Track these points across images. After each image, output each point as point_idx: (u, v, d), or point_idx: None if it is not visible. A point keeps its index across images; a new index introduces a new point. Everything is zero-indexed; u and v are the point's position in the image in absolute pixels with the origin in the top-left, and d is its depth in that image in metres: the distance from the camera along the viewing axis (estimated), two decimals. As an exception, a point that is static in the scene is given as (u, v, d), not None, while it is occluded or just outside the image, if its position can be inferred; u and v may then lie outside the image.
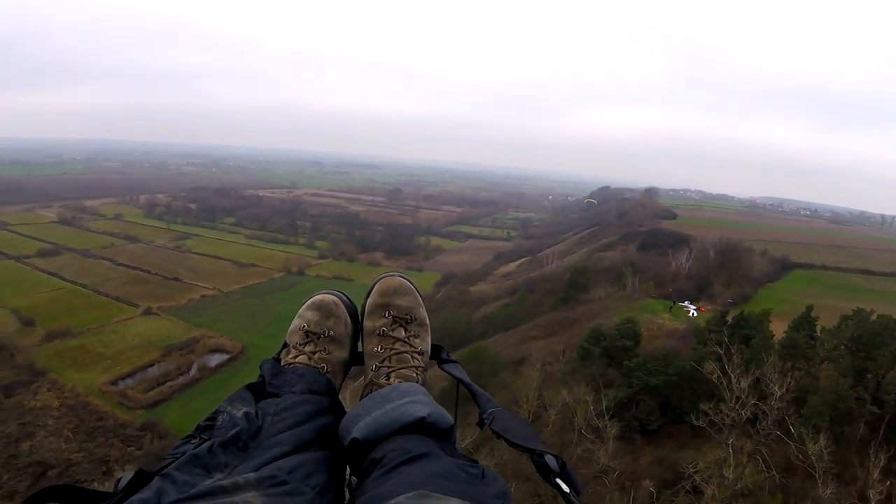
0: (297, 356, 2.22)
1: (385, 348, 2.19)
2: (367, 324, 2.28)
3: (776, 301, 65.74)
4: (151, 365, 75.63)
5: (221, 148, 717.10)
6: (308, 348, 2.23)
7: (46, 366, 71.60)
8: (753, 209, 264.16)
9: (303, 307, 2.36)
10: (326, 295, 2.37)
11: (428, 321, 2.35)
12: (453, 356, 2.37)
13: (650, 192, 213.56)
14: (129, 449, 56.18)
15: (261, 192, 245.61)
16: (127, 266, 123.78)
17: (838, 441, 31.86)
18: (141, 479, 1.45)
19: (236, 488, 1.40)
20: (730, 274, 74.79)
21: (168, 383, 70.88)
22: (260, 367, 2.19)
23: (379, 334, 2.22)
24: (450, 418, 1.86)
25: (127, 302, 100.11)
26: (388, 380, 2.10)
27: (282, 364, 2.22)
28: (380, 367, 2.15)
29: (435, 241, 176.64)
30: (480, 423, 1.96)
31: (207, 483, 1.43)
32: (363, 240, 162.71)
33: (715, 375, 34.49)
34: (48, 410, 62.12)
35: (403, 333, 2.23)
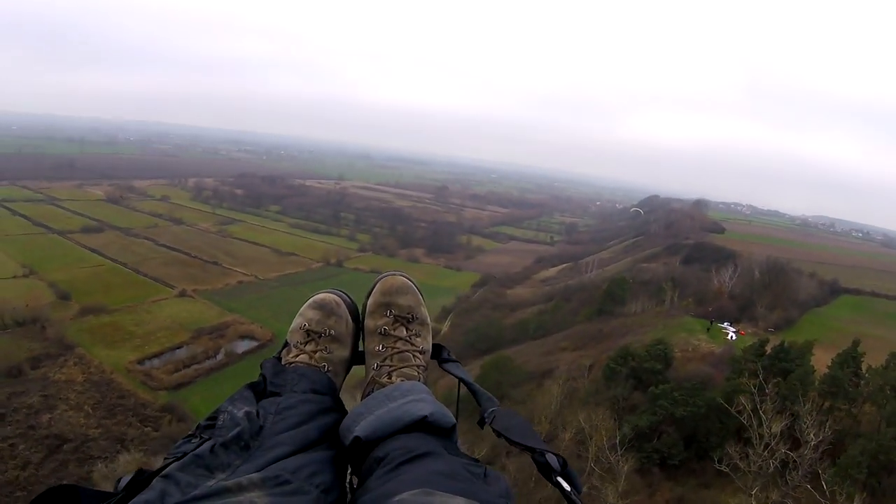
0: (298, 355, 2.21)
1: (386, 347, 2.19)
2: (369, 323, 2.27)
3: (822, 328, 62.22)
4: (180, 347, 75.79)
5: (273, 136, 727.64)
6: (309, 347, 2.22)
7: (76, 340, 72.42)
8: (804, 227, 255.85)
9: (304, 306, 2.34)
10: (328, 294, 2.36)
11: (429, 320, 2.34)
12: (453, 355, 2.37)
13: (699, 204, 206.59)
14: (146, 429, 56.46)
15: (308, 182, 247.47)
16: (168, 247, 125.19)
17: (874, 494, 29.03)
18: (141, 480, 1.45)
19: (240, 489, 1.39)
20: (775, 296, 70.36)
21: (194, 366, 70.77)
22: (261, 366, 2.16)
23: (380, 333, 2.22)
24: (452, 417, 1.88)
25: (163, 282, 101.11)
26: (390, 378, 2.11)
27: (283, 363, 2.21)
28: (381, 366, 2.15)
29: (477, 240, 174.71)
30: (481, 423, 1.98)
31: (210, 483, 1.43)
32: (405, 235, 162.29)
33: (745, 415, 31.91)
34: (72, 385, 62.69)
35: (405, 332, 2.22)
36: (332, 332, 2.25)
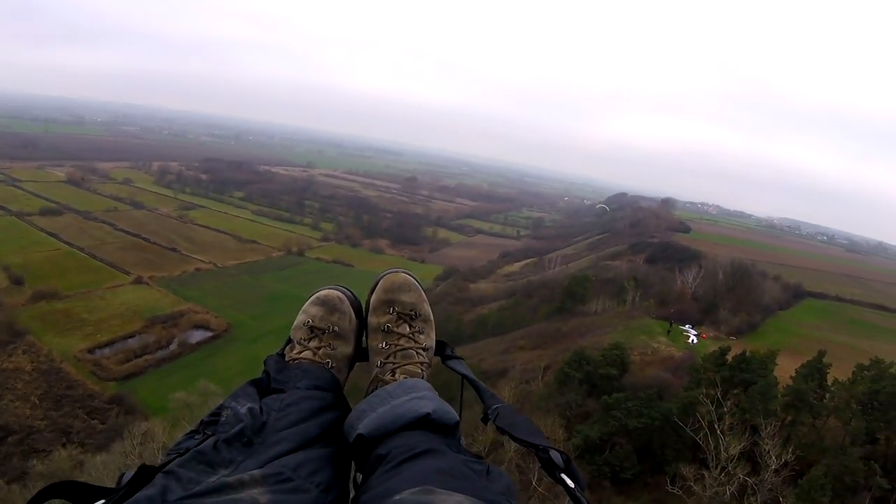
0: (301, 352, 2.20)
1: (390, 344, 2.18)
2: (372, 320, 2.27)
3: (785, 333, 62.10)
4: (132, 336, 73.98)
5: (244, 121, 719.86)
6: (312, 344, 2.21)
7: (27, 327, 70.90)
8: (770, 229, 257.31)
9: (307, 302, 2.34)
10: (331, 290, 2.34)
11: (432, 317, 2.33)
12: (457, 352, 2.36)
13: (667, 203, 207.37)
14: (93, 422, 55.25)
15: (275, 169, 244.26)
16: (126, 232, 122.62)
17: (838, 516, 28.00)
18: (144, 476, 1.46)
19: (242, 485, 1.40)
20: (738, 299, 69.56)
21: (145, 356, 69.16)
22: (264, 362, 2.17)
23: (383, 330, 2.21)
24: (455, 414, 1.88)
25: (120, 269, 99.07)
26: (393, 376, 2.11)
27: (286, 360, 2.20)
28: (385, 364, 2.15)
29: (443, 233, 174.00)
30: (485, 419, 2.00)
31: (212, 480, 1.43)
32: (370, 225, 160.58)
33: (701, 434, 30.43)
34: (19, 374, 61.60)
35: (408, 329, 2.22)
36: (336, 328, 2.24)
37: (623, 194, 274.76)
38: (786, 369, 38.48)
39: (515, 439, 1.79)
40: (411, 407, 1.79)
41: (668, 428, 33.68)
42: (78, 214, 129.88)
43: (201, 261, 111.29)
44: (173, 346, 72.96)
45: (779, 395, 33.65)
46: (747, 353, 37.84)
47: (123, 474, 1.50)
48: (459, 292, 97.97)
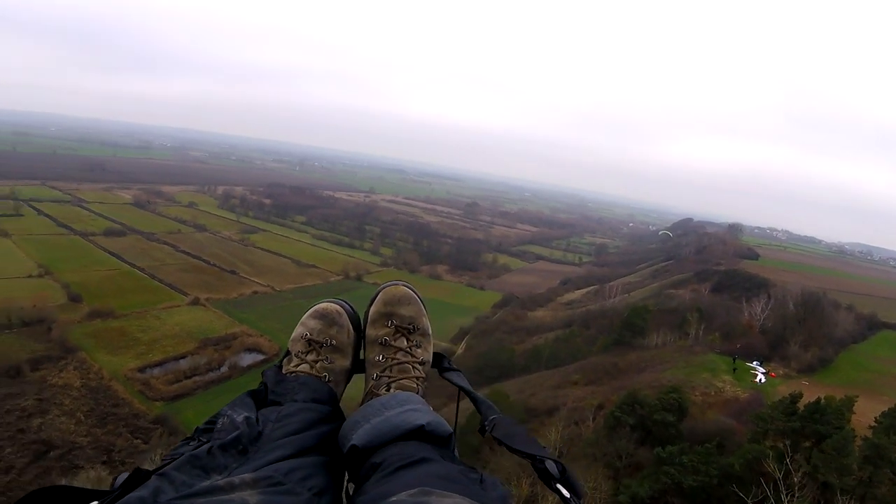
0: (299, 364, 2.21)
1: (386, 358, 2.20)
2: (370, 332, 2.28)
3: (860, 368, 57.33)
4: (183, 356, 73.97)
5: (308, 148, 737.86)
6: (310, 357, 2.22)
7: (80, 344, 71.61)
8: (841, 255, 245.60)
9: (305, 315, 2.35)
10: (329, 303, 2.35)
11: (430, 331, 2.33)
12: (454, 364, 2.36)
13: (734, 229, 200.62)
14: (135, 441, 55.15)
15: (337, 194, 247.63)
16: (187, 253, 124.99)
17: None
18: (138, 479, 1.46)
19: (232, 487, 1.41)
20: (809, 332, 63.79)
21: (195, 378, 68.81)
22: (262, 374, 2.19)
23: (381, 343, 2.23)
24: (449, 427, 1.89)
25: (177, 289, 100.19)
26: (387, 390, 2.11)
27: (284, 372, 2.21)
28: (380, 377, 2.17)
29: (503, 259, 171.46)
30: (482, 430, 2.00)
31: (205, 484, 1.45)
32: (429, 251, 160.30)
33: (765, 493, 26.29)
34: (68, 389, 61.97)
35: (406, 343, 2.23)
36: (334, 342, 2.24)
37: (689, 219, 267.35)
38: (863, 412, 34.78)
39: (512, 450, 1.78)
40: (405, 418, 1.80)
41: (729, 486, 29.02)
42: (141, 235, 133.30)
43: (259, 284, 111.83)
44: (224, 369, 72.57)
45: (855, 451, 29.06)
46: (822, 402, 33.01)
47: (117, 477, 1.50)
48: (516, 320, 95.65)
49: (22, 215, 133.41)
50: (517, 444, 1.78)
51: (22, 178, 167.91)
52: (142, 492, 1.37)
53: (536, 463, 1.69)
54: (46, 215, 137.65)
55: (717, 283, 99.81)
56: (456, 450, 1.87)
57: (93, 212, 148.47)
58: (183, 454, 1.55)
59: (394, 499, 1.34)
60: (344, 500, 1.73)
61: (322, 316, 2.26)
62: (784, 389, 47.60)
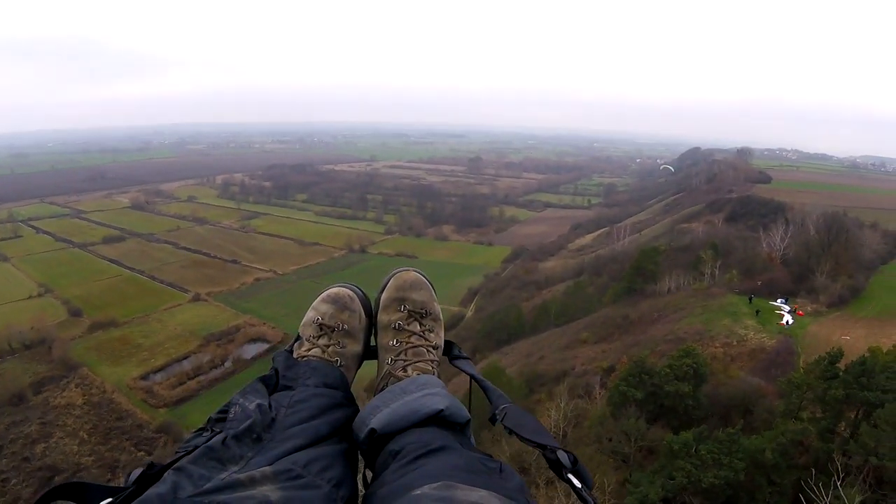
0: (310, 349, 2.19)
1: (400, 342, 2.19)
2: (383, 317, 2.27)
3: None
4: (186, 357, 73.30)
5: (309, 125, 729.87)
6: (322, 341, 2.21)
7: (81, 359, 70.91)
8: (854, 170, 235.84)
9: (317, 300, 2.33)
10: (341, 288, 2.34)
11: (441, 316, 2.35)
12: (465, 352, 2.37)
13: (743, 153, 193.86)
14: (139, 454, 54.01)
15: (338, 167, 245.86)
16: (188, 249, 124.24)
17: None
18: (153, 473, 1.47)
19: (253, 482, 1.40)
20: (836, 258, 58.57)
21: (198, 377, 67.93)
22: (273, 359, 2.17)
23: (394, 328, 2.22)
24: (466, 413, 1.90)
25: (179, 288, 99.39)
26: (405, 371, 2.11)
27: (295, 357, 2.19)
28: (396, 360, 2.16)
29: (510, 211, 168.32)
30: (492, 419, 1.99)
31: (223, 476, 1.43)
32: (433, 212, 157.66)
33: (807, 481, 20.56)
34: (71, 409, 61.36)
35: (419, 328, 2.23)
36: (346, 326, 2.23)
37: (696, 149, 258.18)
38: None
39: (523, 439, 1.77)
40: (424, 403, 1.80)
41: (760, 477, 23.28)
42: (140, 238, 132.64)
43: (261, 270, 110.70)
44: (228, 364, 71.38)
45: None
46: (867, 360, 26.33)
47: (131, 472, 1.50)
48: (526, 274, 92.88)
49: (20, 236, 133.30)
50: (528, 433, 1.77)
51: (20, 199, 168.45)
52: (160, 488, 1.34)
53: (547, 453, 1.68)
54: (45, 232, 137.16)
55: (731, 212, 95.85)
56: (472, 437, 1.87)
57: (92, 221, 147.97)
58: (197, 446, 1.53)
59: (417, 492, 1.32)
60: (360, 485, 1.72)
61: (334, 300, 2.24)
62: (815, 330, 43.43)
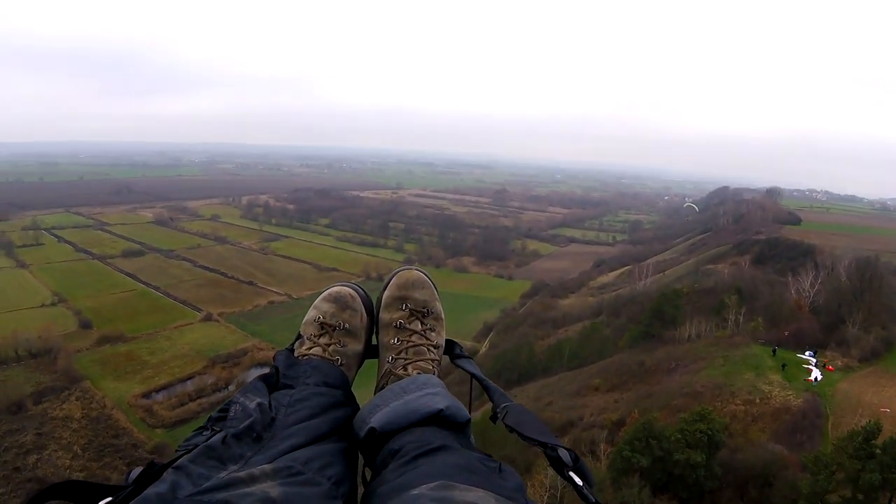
0: (311, 348, 2.20)
1: (402, 340, 2.18)
2: (384, 316, 2.27)
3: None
4: (191, 377, 72.10)
5: (338, 149, 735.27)
6: (323, 340, 2.21)
7: (85, 372, 70.38)
8: (885, 212, 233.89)
9: (319, 298, 2.34)
10: (343, 287, 2.35)
11: (443, 316, 2.33)
12: (466, 352, 2.36)
13: (772, 193, 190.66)
14: None
15: (364, 193, 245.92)
16: (205, 268, 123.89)
17: None
18: (153, 472, 1.45)
19: (253, 479, 1.40)
20: (869, 308, 54.99)
21: (200, 399, 66.30)
22: (273, 358, 2.17)
23: (396, 326, 2.22)
24: (466, 412, 1.90)
25: (192, 306, 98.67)
26: (406, 370, 2.11)
27: (296, 355, 2.19)
28: (397, 359, 2.15)
29: (533, 245, 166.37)
30: (494, 418, 1.99)
31: (222, 475, 1.43)
32: (455, 243, 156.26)
33: None
34: (68, 422, 60.36)
35: (420, 326, 2.22)
36: (347, 325, 2.22)
37: (724, 188, 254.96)
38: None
39: (524, 437, 1.75)
40: (424, 402, 1.81)
41: None
42: (160, 254, 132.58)
43: (276, 293, 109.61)
44: (231, 388, 68.93)
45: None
46: None
47: (131, 471, 1.49)
48: (544, 311, 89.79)
49: (42, 244, 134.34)
50: (530, 431, 1.75)
51: (47, 207, 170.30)
52: (159, 487, 1.33)
53: (549, 451, 1.67)
54: (67, 242, 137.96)
55: (759, 254, 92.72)
56: (472, 436, 1.88)
57: (114, 234, 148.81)
58: (197, 444, 1.53)
59: (415, 491, 1.32)
60: (360, 484, 1.72)
61: (336, 299, 2.24)
62: (846, 388, 40.45)
